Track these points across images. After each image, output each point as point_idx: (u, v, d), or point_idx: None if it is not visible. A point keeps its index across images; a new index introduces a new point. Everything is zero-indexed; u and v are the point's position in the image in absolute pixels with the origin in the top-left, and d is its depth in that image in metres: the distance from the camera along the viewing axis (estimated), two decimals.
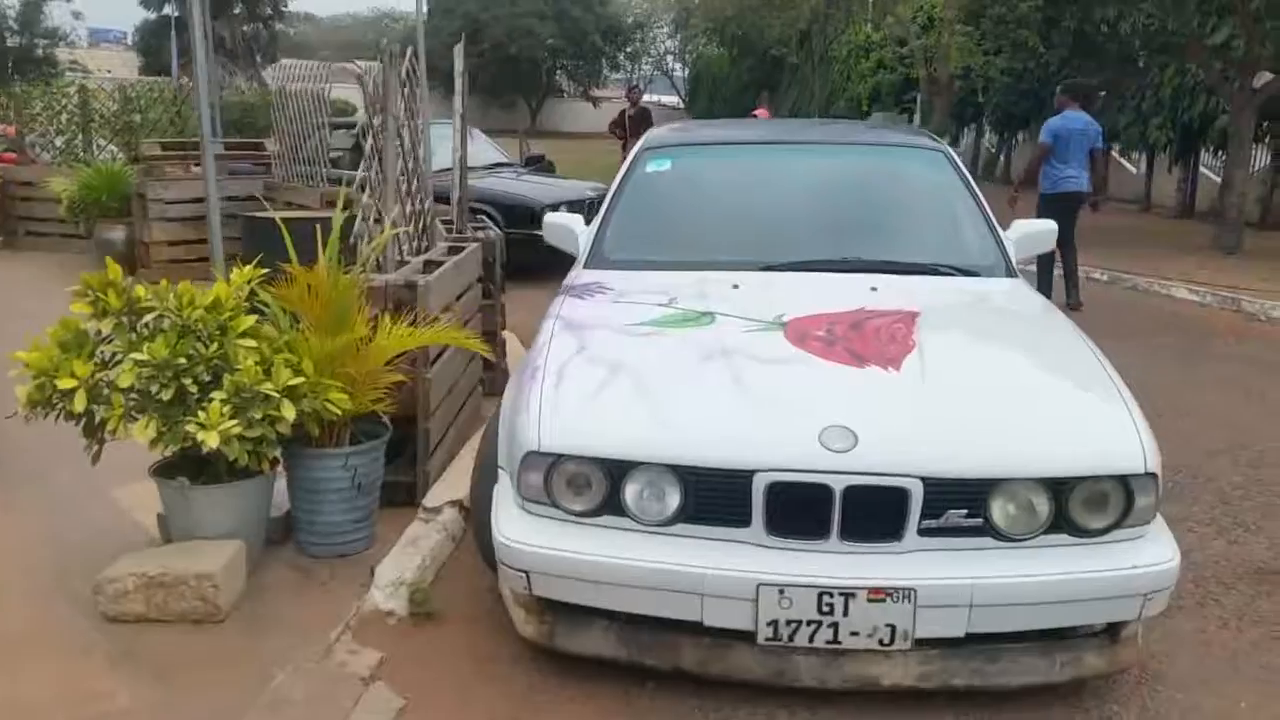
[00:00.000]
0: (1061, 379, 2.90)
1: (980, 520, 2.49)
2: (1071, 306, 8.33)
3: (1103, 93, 18.52)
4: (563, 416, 2.67)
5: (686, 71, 51.17)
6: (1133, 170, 20.79)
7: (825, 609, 2.45)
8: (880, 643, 2.47)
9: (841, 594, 2.44)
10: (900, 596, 2.43)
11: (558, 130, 46.33)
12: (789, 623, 2.47)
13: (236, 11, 38.27)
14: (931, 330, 3.06)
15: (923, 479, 2.45)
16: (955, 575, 2.45)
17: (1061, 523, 2.52)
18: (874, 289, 3.43)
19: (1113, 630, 2.64)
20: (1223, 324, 8.15)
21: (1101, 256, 11.07)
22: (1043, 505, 2.50)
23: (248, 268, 3.34)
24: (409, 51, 5.24)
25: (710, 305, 3.28)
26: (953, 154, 4.25)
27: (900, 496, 2.46)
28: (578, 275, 3.84)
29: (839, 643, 2.48)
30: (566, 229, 4.12)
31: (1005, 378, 2.85)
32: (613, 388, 2.78)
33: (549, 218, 4.22)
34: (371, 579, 3.25)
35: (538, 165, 10.58)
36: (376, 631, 3.07)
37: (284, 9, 40.02)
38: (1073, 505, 2.51)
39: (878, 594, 2.43)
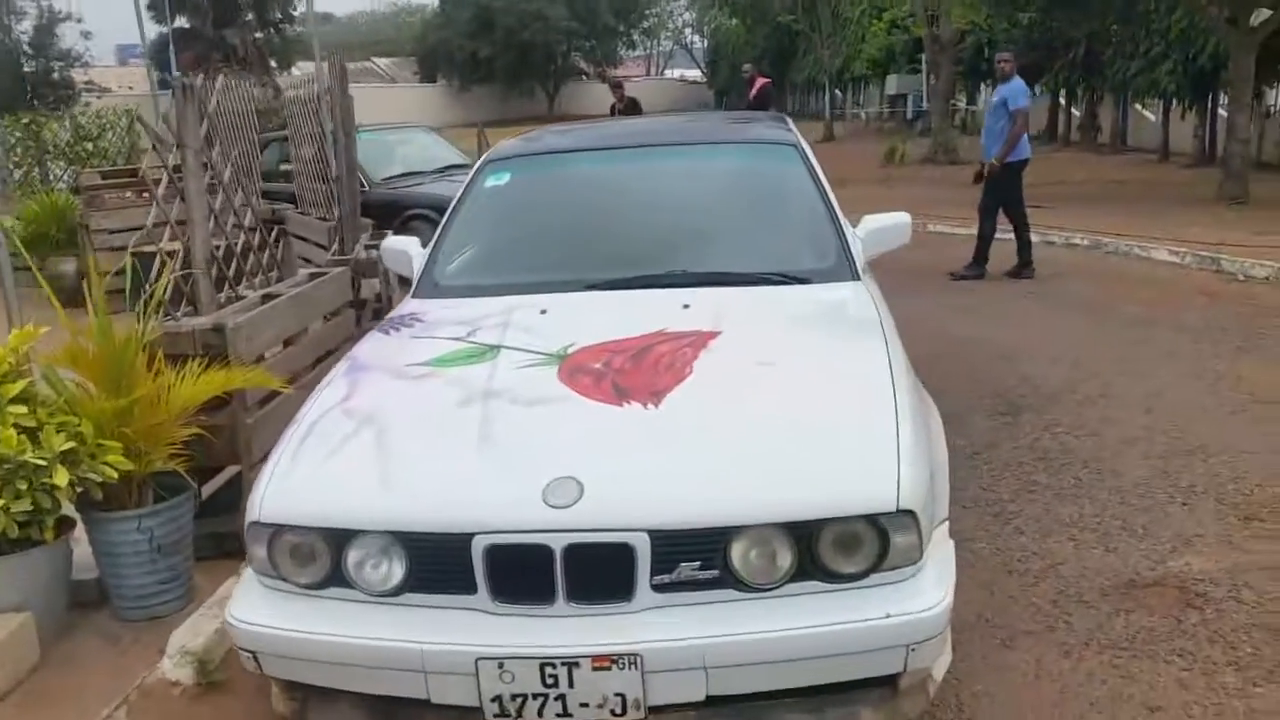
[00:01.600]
0: (834, 408, 2.64)
1: (718, 572, 2.29)
2: (1024, 275, 8.22)
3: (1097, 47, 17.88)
4: (288, 483, 2.51)
5: (705, 44, 50.64)
6: (1150, 118, 20.13)
7: (550, 681, 2.27)
8: (612, 713, 2.28)
9: (564, 664, 2.25)
10: (626, 663, 2.24)
11: (578, 114, 46.11)
12: (514, 697, 2.29)
13: (248, 19, 38.39)
14: (719, 354, 2.85)
15: (649, 532, 2.25)
16: (686, 636, 2.25)
17: (812, 569, 2.31)
18: (686, 306, 3.22)
19: (892, 678, 2.42)
20: (1198, 286, 7.76)
21: (1092, 217, 10.71)
22: (786, 552, 2.29)
23: (28, 326, 3.22)
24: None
25: (505, 336, 3.10)
26: (804, 147, 3.99)
27: (626, 553, 2.26)
28: (403, 305, 3.67)
29: (570, 715, 2.29)
30: (403, 253, 3.93)
31: (773, 408, 2.61)
32: (352, 445, 2.61)
33: (386, 242, 4.04)
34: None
35: None
36: (160, 703, 2.95)
37: (294, 13, 40.02)
38: (821, 549, 2.29)
39: (602, 662, 2.24)
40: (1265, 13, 11.46)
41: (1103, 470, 4.27)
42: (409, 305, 3.64)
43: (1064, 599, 3.27)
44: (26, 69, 32.69)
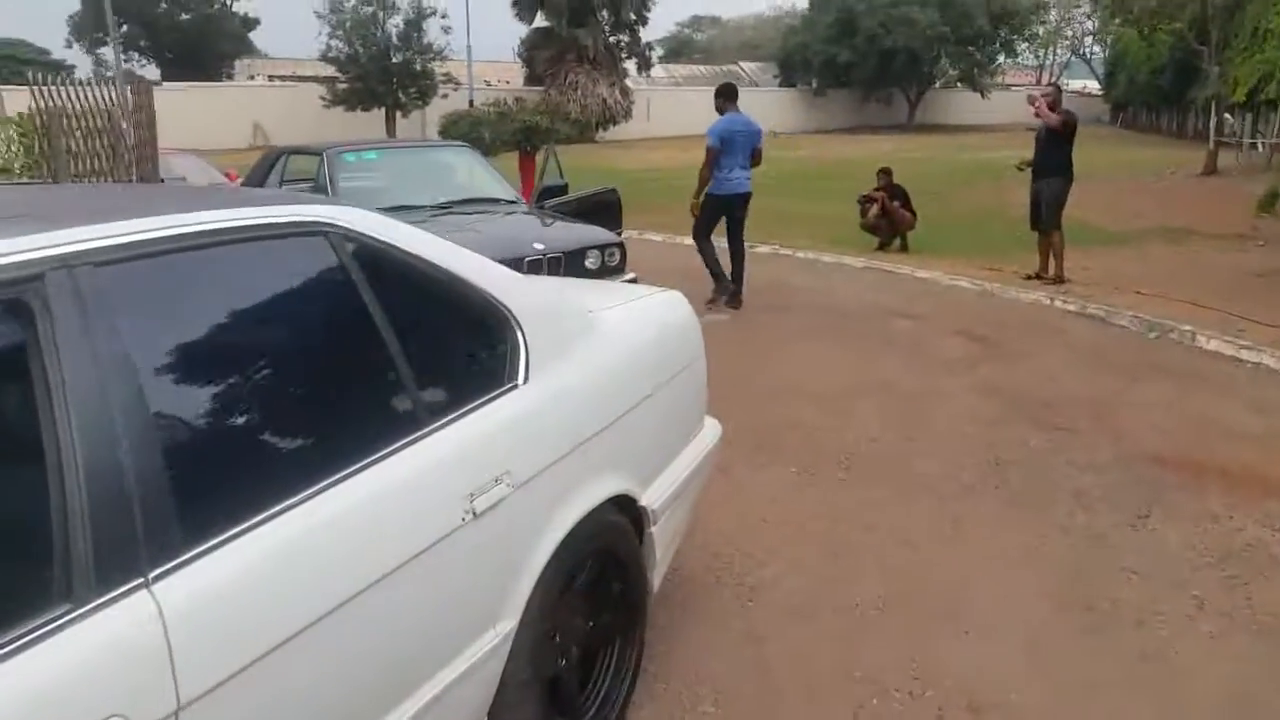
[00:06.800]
0: None
1: None
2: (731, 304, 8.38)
3: None
4: None
5: (1106, 54, 44.45)
6: None
7: None
8: None
9: None
10: None
11: (939, 124, 42.28)
12: None
13: (603, 18, 38.60)
14: None
15: None
16: None
17: None
18: None
19: None
20: None
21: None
22: None
23: None
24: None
25: None
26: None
27: None
28: None
29: None
30: None
31: None
32: None
33: None
34: None
35: (556, 200, 8.21)
36: None
37: (647, 14, 39.76)
38: None
39: None
40: None
41: None
42: None
43: None
44: (394, 59, 34.86)
